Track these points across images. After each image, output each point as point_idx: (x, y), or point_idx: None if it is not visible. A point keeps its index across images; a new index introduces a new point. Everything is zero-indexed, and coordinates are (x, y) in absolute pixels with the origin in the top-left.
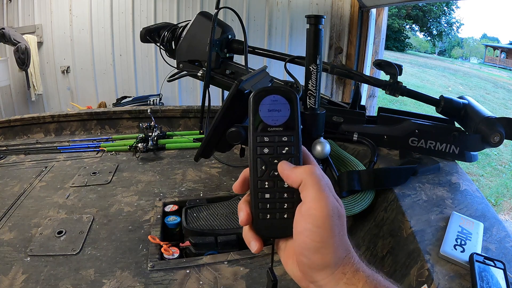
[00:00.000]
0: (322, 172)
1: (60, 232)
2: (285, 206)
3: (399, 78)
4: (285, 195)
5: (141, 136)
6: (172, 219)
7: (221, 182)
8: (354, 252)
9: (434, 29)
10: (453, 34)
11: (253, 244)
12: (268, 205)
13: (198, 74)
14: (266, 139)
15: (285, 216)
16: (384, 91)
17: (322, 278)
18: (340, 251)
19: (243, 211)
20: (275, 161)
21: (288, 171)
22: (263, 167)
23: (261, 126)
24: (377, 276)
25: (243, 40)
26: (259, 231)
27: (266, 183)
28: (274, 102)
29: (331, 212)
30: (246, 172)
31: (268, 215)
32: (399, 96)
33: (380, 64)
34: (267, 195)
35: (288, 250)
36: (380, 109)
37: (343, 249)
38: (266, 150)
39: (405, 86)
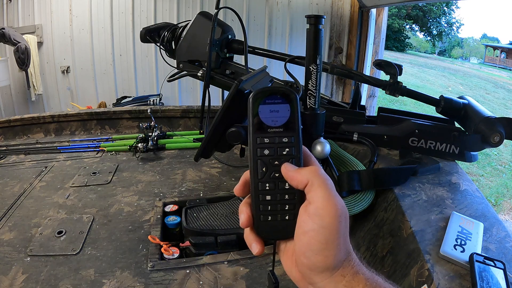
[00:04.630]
0: (322, 169)
1: (60, 232)
2: (286, 208)
3: (399, 78)
4: (286, 196)
5: (141, 136)
6: (172, 219)
7: (221, 182)
8: (354, 254)
9: (434, 29)
10: (453, 34)
11: (254, 246)
12: (269, 207)
13: (198, 74)
14: (266, 140)
15: (287, 217)
16: (384, 91)
17: (321, 280)
18: (342, 254)
19: (243, 213)
20: (276, 162)
21: (292, 173)
22: (264, 169)
23: (261, 127)
24: (377, 278)
25: (243, 40)
26: (261, 233)
27: (267, 185)
28: (273, 102)
29: (339, 212)
30: (246, 174)
31: (270, 217)
32: (399, 96)
33: (380, 64)
34: (268, 197)
35: (287, 251)
36: (380, 109)
37: (345, 251)
38: (266, 152)
39: (405, 86)
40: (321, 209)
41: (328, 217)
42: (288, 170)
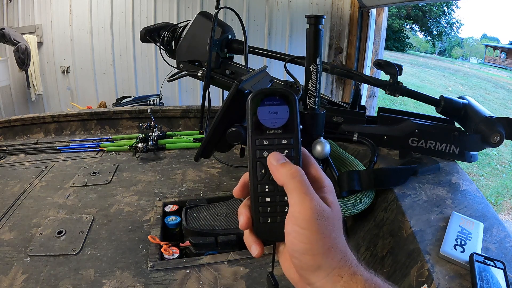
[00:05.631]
0: (321, 170)
1: (60, 232)
2: (285, 210)
3: (399, 78)
4: (286, 198)
5: (141, 136)
6: (172, 219)
7: (221, 182)
8: (352, 255)
9: (434, 29)
10: (453, 34)
11: (254, 248)
12: (268, 208)
13: (198, 74)
14: (265, 142)
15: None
16: (384, 91)
17: (318, 280)
18: (333, 253)
19: (243, 215)
20: None
21: (273, 167)
22: (263, 171)
23: (260, 128)
24: (376, 279)
25: (243, 40)
26: (260, 234)
27: (266, 186)
28: (272, 104)
29: (315, 215)
30: (246, 176)
31: (269, 219)
32: (399, 96)
33: (380, 64)
34: (268, 199)
35: (285, 253)
36: (380, 109)
37: (337, 251)
38: (265, 153)
39: (405, 86)
40: (296, 212)
41: (303, 220)
42: (271, 163)
